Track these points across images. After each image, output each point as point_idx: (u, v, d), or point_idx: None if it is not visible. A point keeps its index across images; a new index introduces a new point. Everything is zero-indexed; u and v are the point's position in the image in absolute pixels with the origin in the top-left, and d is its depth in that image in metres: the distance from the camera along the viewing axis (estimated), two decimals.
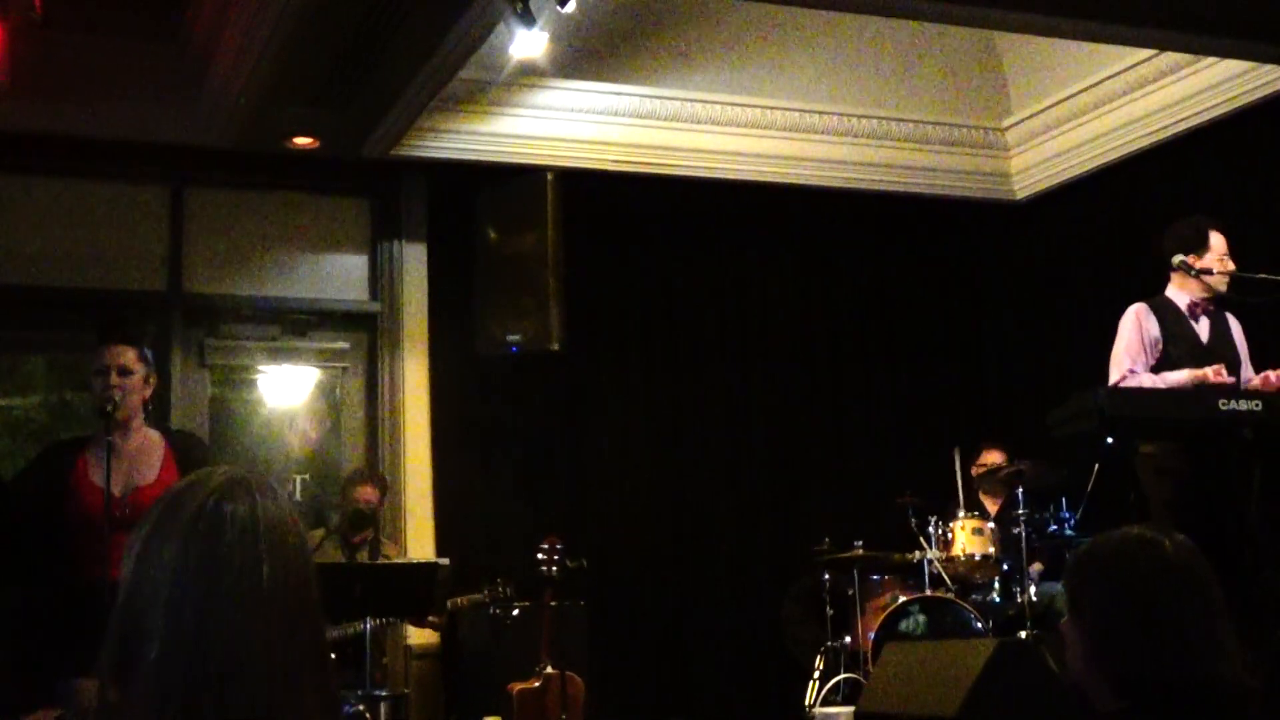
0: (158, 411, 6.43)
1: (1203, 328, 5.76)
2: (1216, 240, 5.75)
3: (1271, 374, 5.51)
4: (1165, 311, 5.73)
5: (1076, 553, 2.38)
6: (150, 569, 1.61)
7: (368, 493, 7.00)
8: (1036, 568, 6.69)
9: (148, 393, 4.72)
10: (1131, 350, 5.62)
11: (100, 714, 1.62)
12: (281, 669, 1.58)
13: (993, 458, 7.72)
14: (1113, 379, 5.61)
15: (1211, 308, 5.80)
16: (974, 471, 7.78)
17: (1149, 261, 6.02)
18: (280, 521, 1.66)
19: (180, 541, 1.60)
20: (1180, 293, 5.78)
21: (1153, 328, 5.66)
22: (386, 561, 6.84)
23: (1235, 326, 5.88)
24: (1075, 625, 2.24)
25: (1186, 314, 5.74)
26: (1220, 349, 5.75)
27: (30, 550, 4.47)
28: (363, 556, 6.79)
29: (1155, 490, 5.48)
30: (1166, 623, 2.14)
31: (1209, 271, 5.68)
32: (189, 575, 1.59)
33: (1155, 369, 5.62)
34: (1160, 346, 5.65)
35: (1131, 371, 5.59)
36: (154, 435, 4.75)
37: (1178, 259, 5.73)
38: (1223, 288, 5.74)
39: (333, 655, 1.71)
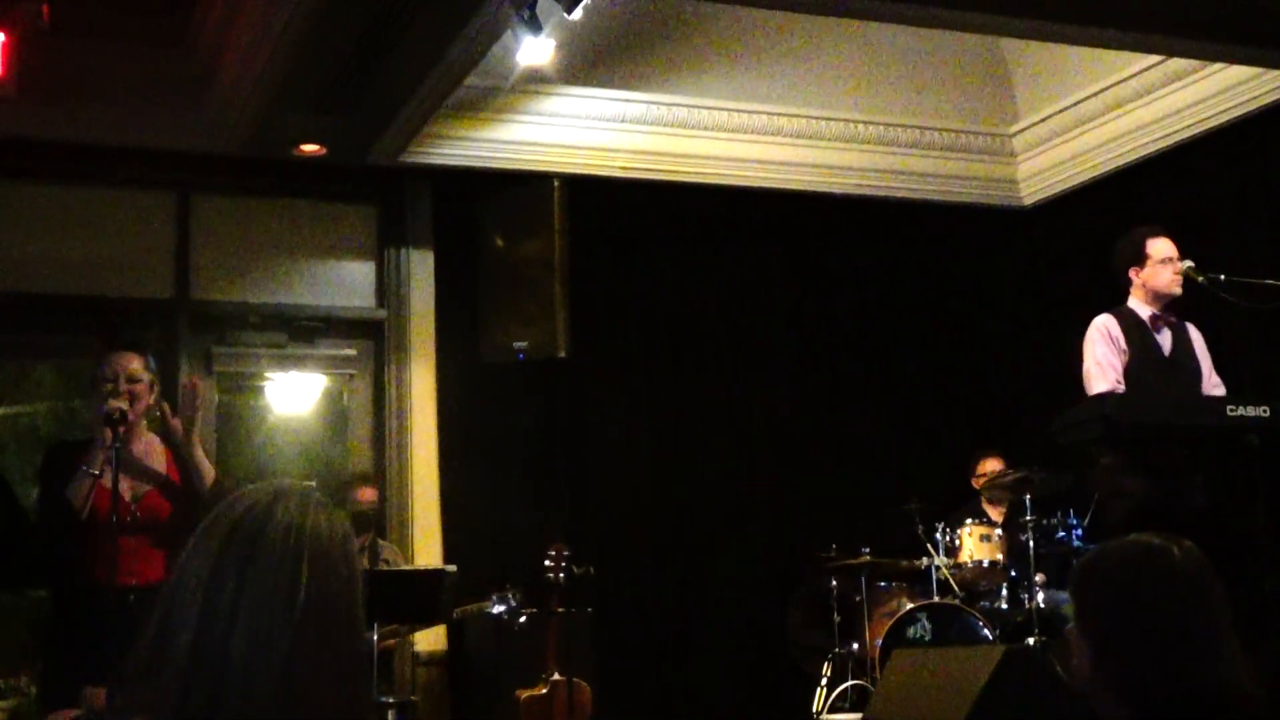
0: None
1: (1165, 339, 5.76)
2: (1155, 247, 5.74)
3: None
4: (1129, 322, 5.72)
5: (1083, 560, 2.38)
6: (193, 563, 1.63)
7: (368, 494, 7.00)
8: (1039, 579, 6.68)
9: (152, 399, 4.76)
10: (1110, 360, 5.61)
11: (110, 715, 1.63)
12: (307, 679, 1.59)
13: (991, 465, 7.70)
14: (1099, 389, 5.58)
15: (1173, 318, 5.80)
16: (975, 483, 7.76)
17: None
18: (328, 536, 1.67)
19: (222, 540, 1.63)
20: (1142, 304, 5.77)
21: (1120, 337, 5.66)
22: (388, 565, 6.84)
23: (1197, 338, 5.87)
24: (1081, 633, 2.23)
25: (1149, 325, 5.74)
26: (1182, 361, 5.74)
27: (54, 554, 4.50)
28: (362, 560, 6.78)
29: (1111, 510, 5.46)
30: (1171, 630, 2.14)
31: (1172, 264, 5.67)
32: (226, 570, 1.61)
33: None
34: (1127, 357, 5.65)
35: (1118, 381, 5.57)
36: (156, 441, 4.79)
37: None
38: (1177, 290, 5.73)
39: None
